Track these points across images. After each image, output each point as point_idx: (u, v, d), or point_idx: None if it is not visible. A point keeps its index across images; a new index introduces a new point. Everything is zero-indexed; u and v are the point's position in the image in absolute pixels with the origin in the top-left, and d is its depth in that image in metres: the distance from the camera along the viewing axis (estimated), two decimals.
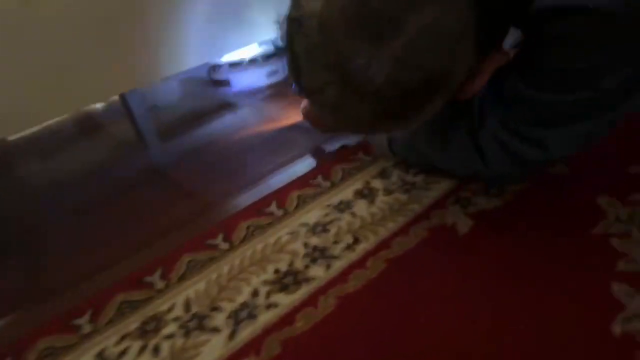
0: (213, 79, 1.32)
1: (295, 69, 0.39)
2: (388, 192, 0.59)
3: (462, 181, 0.57)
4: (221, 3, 0.88)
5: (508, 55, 0.41)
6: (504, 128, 0.47)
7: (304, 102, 0.71)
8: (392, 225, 0.53)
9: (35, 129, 1.30)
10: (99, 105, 1.41)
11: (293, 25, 0.37)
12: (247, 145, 0.85)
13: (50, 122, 1.34)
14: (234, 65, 1.30)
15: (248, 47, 1.23)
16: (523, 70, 0.43)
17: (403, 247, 0.49)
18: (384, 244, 0.50)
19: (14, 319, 0.54)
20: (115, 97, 1.42)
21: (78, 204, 0.77)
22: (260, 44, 1.28)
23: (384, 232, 0.52)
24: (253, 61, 1.28)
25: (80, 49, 0.72)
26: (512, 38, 0.46)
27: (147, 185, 0.80)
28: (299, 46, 0.37)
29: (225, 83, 1.23)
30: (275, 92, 1.09)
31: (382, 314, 0.42)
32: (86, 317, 0.50)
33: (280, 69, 1.21)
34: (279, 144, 0.82)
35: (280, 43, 0.75)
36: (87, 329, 0.48)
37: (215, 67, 1.38)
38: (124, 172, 0.86)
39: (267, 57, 1.28)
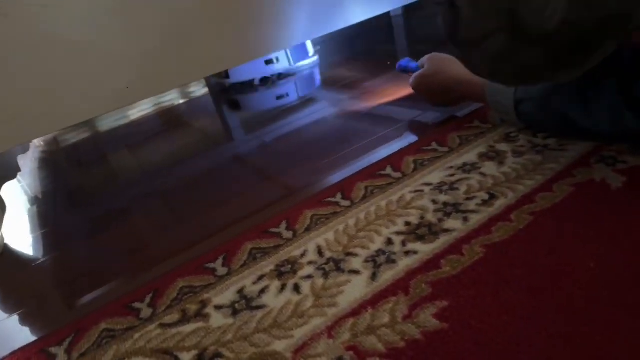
0: (224, 99, 1.26)
1: (454, 24, 0.39)
2: (518, 154, 0.56)
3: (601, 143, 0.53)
4: None
5: None
6: None
7: (415, 76, 0.70)
8: (531, 183, 0.50)
9: (122, 122, 1.39)
10: (181, 101, 1.49)
11: None
12: (340, 126, 0.86)
13: (137, 116, 1.44)
14: (243, 85, 1.26)
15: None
16: None
17: (550, 201, 0.46)
18: (526, 199, 0.47)
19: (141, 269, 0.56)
20: (197, 94, 1.49)
21: (166, 187, 0.80)
22: (268, 63, 1.22)
23: (523, 189, 0.49)
24: (265, 81, 1.24)
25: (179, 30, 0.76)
26: None
27: (248, 166, 0.82)
28: None
29: (235, 105, 1.20)
30: (350, 84, 1.08)
31: (537, 260, 0.39)
32: (219, 261, 0.51)
33: (290, 92, 1.18)
34: (374, 123, 0.81)
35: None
36: (222, 271, 0.49)
37: (225, 87, 1.31)
38: (211, 160, 0.88)
39: (278, 77, 1.24)
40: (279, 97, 1.15)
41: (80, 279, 0.59)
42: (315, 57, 1.32)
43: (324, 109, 0.97)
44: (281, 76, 1.25)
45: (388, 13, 1.80)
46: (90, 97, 0.71)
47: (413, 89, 0.73)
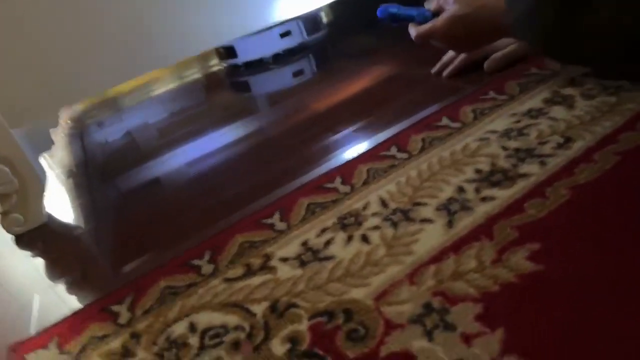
0: (231, 81, 1.13)
1: None
2: (588, 97, 0.52)
3: None
4: None
5: None
6: None
7: (445, 20, 0.61)
8: (609, 124, 0.46)
9: (144, 98, 1.36)
10: (199, 75, 1.45)
11: None
12: (374, 87, 0.82)
13: (159, 92, 1.41)
14: (253, 64, 1.09)
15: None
16: None
17: (635, 141, 0.42)
18: (608, 140, 0.44)
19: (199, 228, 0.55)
20: (215, 69, 1.44)
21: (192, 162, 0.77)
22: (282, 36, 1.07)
23: (601, 130, 0.46)
24: (277, 57, 1.09)
25: None
26: None
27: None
28: None
29: (243, 87, 1.06)
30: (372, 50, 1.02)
31: (633, 200, 0.36)
32: (276, 216, 0.49)
33: (306, 68, 1.06)
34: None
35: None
36: (280, 226, 0.47)
37: (232, 68, 1.16)
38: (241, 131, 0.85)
39: (290, 53, 1.09)
40: (295, 74, 1.06)
41: (124, 246, 0.58)
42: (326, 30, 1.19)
43: (354, 74, 0.93)
44: (293, 52, 1.12)
45: None
46: (134, 58, 0.69)
47: (437, 37, 0.62)
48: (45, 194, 0.72)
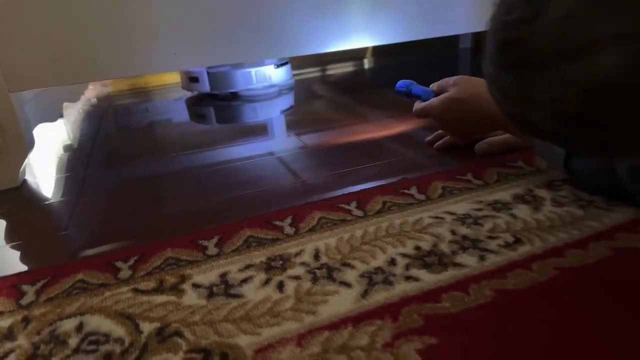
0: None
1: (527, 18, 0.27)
2: (557, 203, 0.50)
3: None
4: None
5: None
6: None
7: (441, 100, 0.64)
8: (564, 236, 0.44)
9: (177, 96, 1.40)
10: None
11: None
12: (372, 143, 0.82)
13: (191, 94, 1.45)
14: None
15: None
16: None
17: (581, 260, 0.40)
18: (555, 252, 0.42)
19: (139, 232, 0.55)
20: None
21: (200, 169, 0.79)
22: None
23: (554, 240, 0.44)
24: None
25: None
26: None
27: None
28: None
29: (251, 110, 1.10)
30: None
31: (551, 321, 0.34)
32: (213, 240, 0.49)
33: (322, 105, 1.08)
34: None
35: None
36: (212, 251, 0.47)
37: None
38: (247, 150, 0.87)
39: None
40: (314, 107, 1.10)
41: (83, 226, 0.58)
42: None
43: (350, 124, 0.93)
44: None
45: (457, 45, 1.76)
46: (137, 56, 0.72)
47: (431, 116, 0.66)
48: (26, 160, 0.74)
